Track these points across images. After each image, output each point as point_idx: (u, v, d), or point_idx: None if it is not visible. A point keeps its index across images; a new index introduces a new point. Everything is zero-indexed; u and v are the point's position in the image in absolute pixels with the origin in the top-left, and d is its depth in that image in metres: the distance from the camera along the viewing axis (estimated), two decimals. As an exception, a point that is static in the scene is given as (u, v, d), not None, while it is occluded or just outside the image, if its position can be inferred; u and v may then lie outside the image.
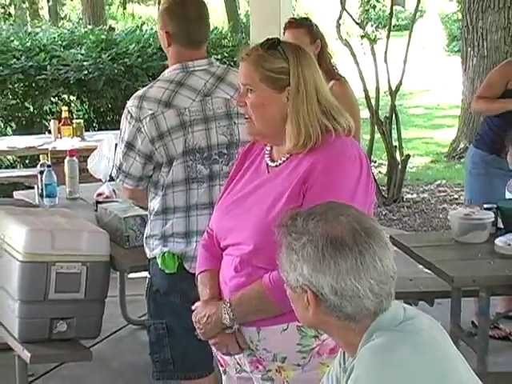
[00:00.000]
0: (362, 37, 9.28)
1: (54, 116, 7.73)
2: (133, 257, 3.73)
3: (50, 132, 7.15)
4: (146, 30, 9.27)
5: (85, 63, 8.09)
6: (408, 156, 8.48)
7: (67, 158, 4.81)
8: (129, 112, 3.21)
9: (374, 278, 1.86)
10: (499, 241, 3.85)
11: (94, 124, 8.40)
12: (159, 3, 21.84)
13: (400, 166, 8.23)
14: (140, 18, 20.42)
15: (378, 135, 8.38)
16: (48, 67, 8.01)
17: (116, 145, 3.69)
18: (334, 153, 2.41)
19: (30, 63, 8.03)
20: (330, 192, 2.31)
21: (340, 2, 8.41)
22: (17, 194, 5.03)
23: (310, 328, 2.35)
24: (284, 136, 2.45)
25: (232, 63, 8.17)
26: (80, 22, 16.35)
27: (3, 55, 8.10)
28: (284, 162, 2.48)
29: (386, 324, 1.88)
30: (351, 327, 1.91)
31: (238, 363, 2.55)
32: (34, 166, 5.94)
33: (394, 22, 9.53)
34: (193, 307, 2.59)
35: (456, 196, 8.42)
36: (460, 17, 12.60)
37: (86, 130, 7.04)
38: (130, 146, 3.22)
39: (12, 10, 16.14)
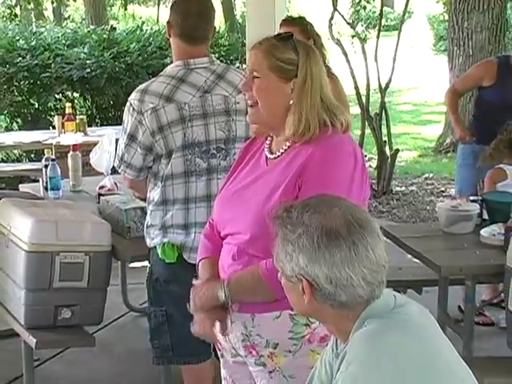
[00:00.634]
0: (353, 36, 9.30)
1: (58, 112, 7.71)
2: (134, 247, 3.73)
3: (54, 127, 7.14)
4: (146, 30, 9.26)
5: (87, 61, 8.08)
6: (397, 150, 8.49)
7: (71, 152, 4.80)
8: (131, 105, 3.21)
9: (367, 267, 1.85)
10: (484, 231, 3.85)
11: (97, 120, 8.39)
12: (159, 4, 21.86)
13: (389, 160, 8.23)
14: (140, 18, 20.38)
15: (368, 131, 8.38)
16: (52, 65, 8.01)
17: (116, 140, 3.69)
18: (330, 148, 2.40)
19: (35, 61, 8.02)
20: (324, 186, 2.30)
21: (332, 2, 8.41)
22: (23, 187, 5.02)
23: (302, 316, 2.35)
24: (284, 127, 2.44)
25: (229, 61, 8.17)
26: (83, 22, 16.33)
27: (9, 54, 8.09)
28: (282, 154, 2.47)
29: (378, 311, 1.88)
30: (344, 315, 1.91)
31: (234, 348, 2.55)
32: (39, 160, 5.93)
33: (383, 22, 9.52)
34: (193, 282, 2.59)
35: (443, 189, 8.43)
36: (446, 18, 12.60)
37: (88, 126, 7.04)
38: (131, 137, 3.22)
39: (18, 10, 16.10)
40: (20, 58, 8.04)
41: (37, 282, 3.55)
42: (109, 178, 4.46)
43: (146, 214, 3.41)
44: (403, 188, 8.58)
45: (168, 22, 3.31)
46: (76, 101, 8.34)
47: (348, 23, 9.62)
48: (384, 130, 8.39)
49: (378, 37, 8.40)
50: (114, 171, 4.02)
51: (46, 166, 4.59)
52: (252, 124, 2.58)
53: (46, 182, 4.57)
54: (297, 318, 2.39)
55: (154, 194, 3.27)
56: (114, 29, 9.86)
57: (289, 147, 2.46)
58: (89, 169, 4.78)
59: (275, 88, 2.43)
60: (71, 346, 4.10)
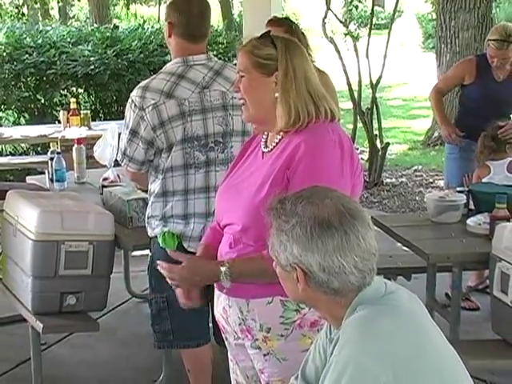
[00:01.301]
0: (346, 34, 9.26)
1: (63, 107, 7.70)
2: (136, 236, 3.72)
3: (59, 122, 7.13)
4: (148, 28, 9.23)
5: (91, 59, 8.06)
6: (387, 144, 8.48)
7: (75, 145, 4.79)
8: (133, 101, 3.21)
9: (358, 255, 1.85)
10: (471, 221, 3.85)
11: (100, 114, 8.37)
12: (160, 4, 21.81)
13: (380, 153, 8.23)
14: (142, 17, 20.33)
15: (360, 125, 8.37)
16: (58, 62, 7.99)
17: (119, 134, 3.68)
18: (315, 139, 2.39)
19: (42, 59, 8.00)
20: (311, 176, 2.30)
21: (325, 2, 8.38)
22: (29, 179, 5.01)
23: (293, 302, 2.36)
24: (274, 121, 2.44)
25: (226, 58, 8.15)
26: (87, 21, 16.28)
27: (17, 51, 8.07)
28: (274, 147, 2.47)
29: (369, 298, 1.88)
30: (337, 301, 1.91)
31: (235, 331, 2.56)
32: (45, 153, 5.92)
33: (374, 21, 9.49)
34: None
35: (431, 180, 8.43)
36: (434, 17, 12.58)
37: (92, 120, 7.02)
38: (133, 132, 3.21)
39: (25, 9, 16.05)
40: (27, 55, 8.02)
41: (43, 270, 3.55)
42: (112, 171, 4.46)
43: (147, 204, 3.41)
44: (393, 179, 8.58)
45: (170, 23, 3.27)
46: (80, 96, 8.32)
47: (341, 22, 9.60)
48: (375, 124, 8.38)
49: (369, 35, 8.38)
50: (116, 164, 4.01)
51: (52, 159, 4.59)
52: (246, 121, 2.61)
53: (52, 174, 4.57)
54: (287, 304, 2.40)
55: (155, 186, 3.27)
56: (117, 27, 9.83)
57: (280, 140, 2.46)
58: (93, 161, 4.77)
59: (259, 84, 2.45)
60: (76, 330, 4.10)
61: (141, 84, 3.25)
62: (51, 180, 4.58)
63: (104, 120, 7.98)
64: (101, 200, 4.18)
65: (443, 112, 5.13)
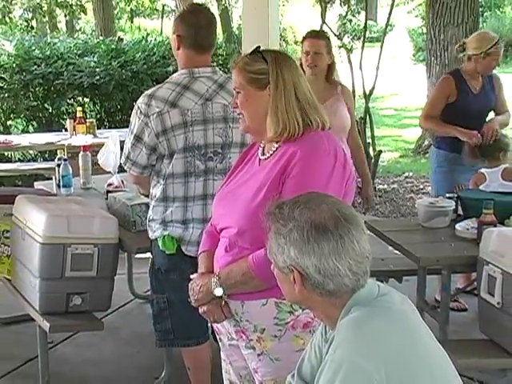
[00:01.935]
0: (340, 47, 9.29)
1: (69, 116, 7.69)
2: (139, 239, 3.71)
3: (66, 130, 7.12)
4: (151, 41, 9.23)
5: (97, 69, 8.06)
6: (380, 151, 8.48)
7: (81, 152, 4.79)
8: (138, 108, 3.20)
9: (353, 258, 1.85)
10: (459, 226, 3.85)
11: (105, 123, 8.36)
12: (162, 17, 21.79)
13: (373, 160, 8.22)
14: (145, 30, 20.37)
15: (353, 133, 8.36)
16: (65, 73, 7.99)
17: (120, 141, 3.68)
18: (310, 147, 2.40)
19: (49, 69, 8.00)
20: (304, 182, 2.31)
21: (321, 16, 8.41)
22: (37, 184, 5.01)
23: (287, 304, 2.37)
24: None
25: (226, 69, 8.15)
26: (93, 34, 16.28)
27: (26, 62, 8.07)
28: (271, 155, 2.48)
29: (363, 299, 1.88)
30: (332, 302, 1.91)
31: (229, 332, 2.56)
32: (52, 160, 5.91)
33: (367, 34, 9.50)
34: (191, 277, 2.60)
35: (421, 186, 8.43)
36: (425, 31, 12.60)
37: (97, 128, 7.01)
38: (138, 138, 3.21)
39: (34, 23, 16.05)
40: (35, 67, 8.02)
41: (50, 272, 3.54)
42: (116, 177, 4.46)
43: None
44: (385, 186, 8.59)
45: (178, 36, 3.26)
46: (86, 105, 8.31)
47: (335, 35, 9.61)
48: (368, 133, 8.38)
49: (362, 47, 8.40)
50: (120, 170, 4.01)
51: (59, 165, 4.58)
52: (244, 132, 2.62)
53: (59, 180, 4.56)
54: (281, 306, 2.40)
55: (157, 190, 3.27)
56: (122, 40, 9.83)
57: (277, 148, 2.46)
58: (97, 168, 4.77)
59: (254, 98, 2.46)
60: (82, 330, 4.10)
61: (147, 92, 3.25)
62: (58, 185, 4.57)
63: (109, 128, 7.97)
64: (105, 205, 4.17)
65: (448, 126, 4.69)
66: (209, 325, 3.35)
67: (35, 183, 5.14)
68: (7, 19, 14.34)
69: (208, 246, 2.61)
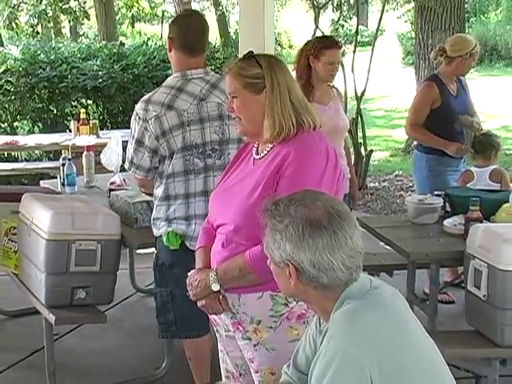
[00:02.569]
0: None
1: (73, 117, 7.68)
2: (140, 236, 3.72)
3: (70, 131, 7.12)
4: (151, 45, 9.22)
5: (100, 73, 8.05)
6: (371, 151, 8.48)
7: (85, 152, 4.79)
8: (137, 114, 3.20)
9: (346, 253, 1.85)
10: (447, 222, 3.86)
11: (108, 124, 8.35)
12: (162, 22, 21.75)
13: (364, 159, 8.23)
14: (146, 34, 20.33)
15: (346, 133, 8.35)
16: (69, 76, 7.98)
17: (123, 141, 3.67)
18: (303, 147, 2.40)
19: (54, 73, 7.99)
20: (298, 180, 2.31)
21: (314, 21, 8.40)
22: (43, 183, 5.00)
23: (281, 297, 2.37)
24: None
25: (224, 73, 8.13)
26: (96, 39, 16.24)
27: (32, 66, 8.06)
28: (265, 154, 2.48)
29: (355, 293, 1.89)
30: (326, 295, 1.91)
31: (226, 324, 2.56)
32: (57, 160, 5.91)
33: (359, 38, 9.53)
34: (188, 276, 2.60)
35: (411, 184, 8.41)
36: (413, 35, 12.60)
37: (100, 129, 7.01)
38: (139, 142, 3.21)
39: (39, 28, 16.02)
40: (41, 70, 8.01)
41: (55, 267, 3.54)
42: (118, 175, 4.45)
43: (151, 206, 3.41)
44: (376, 184, 8.58)
45: (170, 38, 3.28)
46: (89, 107, 8.30)
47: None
48: (360, 133, 8.38)
49: (354, 51, 8.39)
50: (122, 169, 4.00)
51: (63, 165, 4.58)
52: (241, 135, 2.61)
53: (64, 179, 4.56)
54: (276, 298, 2.40)
55: (159, 190, 3.27)
56: (123, 44, 9.80)
57: (271, 148, 2.46)
58: (100, 167, 4.77)
59: (251, 102, 2.45)
60: (86, 322, 4.09)
61: (144, 98, 3.25)
62: (63, 184, 4.57)
63: (111, 129, 7.96)
64: (108, 202, 4.17)
65: (435, 137, 4.64)
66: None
67: (41, 182, 5.13)
68: (14, 25, 14.31)
69: (204, 241, 2.61)
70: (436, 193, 4.15)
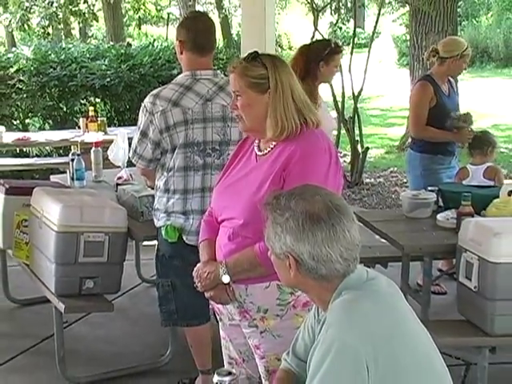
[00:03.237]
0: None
1: (82, 115, 7.66)
2: (146, 228, 3.71)
3: (79, 127, 7.10)
4: (157, 46, 9.20)
5: (107, 72, 8.03)
6: (367, 148, 8.47)
7: (93, 148, 4.77)
8: (145, 106, 3.20)
9: (343, 245, 1.85)
10: (440, 216, 3.85)
11: (115, 121, 8.34)
12: (167, 24, 21.75)
13: (361, 156, 8.22)
14: (152, 36, 20.32)
15: (343, 131, 8.36)
16: (78, 75, 7.97)
17: (128, 138, 3.66)
18: (308, 145, 2.39)
19: (64, 72, 7.98)
20: (304, 177, 2.30)
21: (313, 23, 8.38)
22: (53, 178, 4.99)
23: (288, 287, 2.35)
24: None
25: (226, 73, 8.13)
26: (104, 40, 16.25)
27: (43, 66, 8.05)
28: (269, 152, 2.46)
29: (353, 283, 1.88)
30: (324, 286, 1.90)
31: (230, 313, 2.55)
32: (67, 155, 5.87)
33: (356, 40, 9.48)
34: (195, 268, 2.58)
35: (405, 180, 8.39)
36: (408, 38, 12.58)
37: (108, 126, 6.99)
38: (144, 133, 3.22)
39: (50, 30, 16.02)
40: (51, 70, 7.99)
41: (65, 258, 3.54)
42: (125, 171, 4.45)
43: (155, 199, 3.40)
44: (372, 180, 8.58)
45: (180, 41, 3.25)
46: (98, 105, 8.28)
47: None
48: (356, 131, 8.37)
49: (351, 53, 8.37)
50: (129, 164, 3.99)
51: (73, 160, 4.56)
52: (243, 132, 2.61)
53: (73, 174, 4.55)
54: (283, 288, 2.40)
55: (161, 182, 3.27)
56: (130, 45, 9.79)
57: (275, 146, 2.45)
58: (108, 162, 4.75)
59: (255, 101, 2.43)
60: (94, 310, 4.09)
61: (153, 92, 3.24)
62: (72, 179, 4.56)
63: (118, 126, 7.94)
64: (115, 196, 4.16)
65: (443, 132, 4.59)
66: (210, 306, 3.35)
67: (51, 176, 5.12)
68: (26, 26, 14.33)
69: (208, 234, 2.60)
70: (429, 188, 4.15)
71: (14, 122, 8.12)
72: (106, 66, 8.15)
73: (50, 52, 8.45)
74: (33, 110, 8.16)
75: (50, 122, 8.25)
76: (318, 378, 1.77)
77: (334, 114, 8.18)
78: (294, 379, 2.09)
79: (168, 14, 22.75)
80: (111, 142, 4.74)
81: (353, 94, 8.35)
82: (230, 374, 1.96)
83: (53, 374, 3.74)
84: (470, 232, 3.29)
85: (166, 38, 17.37)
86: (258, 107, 2.43)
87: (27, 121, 8.29)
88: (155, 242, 3.47)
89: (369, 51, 8.50)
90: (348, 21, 13.66)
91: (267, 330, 2.46)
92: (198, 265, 2.58)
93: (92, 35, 21.99)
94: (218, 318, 2.69)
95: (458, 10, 12.64)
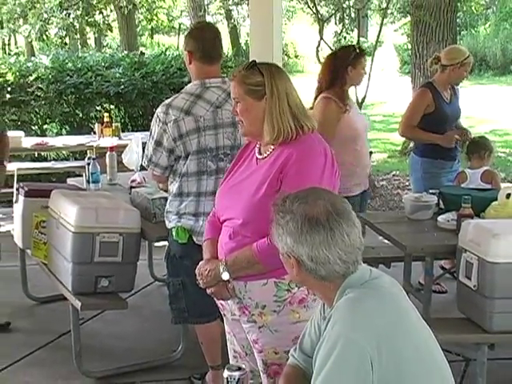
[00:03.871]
0: (336, 60, 9.23)
1: (98, 120, 7.69)
2: (158, 230, 3.71)
3: (95, 133, 7.13)
4: (169, 55, 9.23)
5: (122, 80, 8.06)
6: (371, 152, 8.36)
7: (108, 152, 4.78)
8: (158, 116, 3.20)
9: (342, 249, 1.85)
10: (441, 218, 3.84)
11: (129, 127, 8.36)
12: (179, 34, 21.78)
13: (364, 160, 8.18)
14: (164, 45, 20.36)
15: (347, 136, 8.33)
16: (94, 83, 8.00)
17: (143, 143, 3.66)
18: (304, 148, 2.42)
19: (80, 80, 8.01)
20: (300, 178, 2.33)
21: (319, 33, 8.38)
22: (70, 181, 5.01)
23: (284, 283, 2.39)
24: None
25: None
26: (118, 49, 16.28)
27: (60, 74, 8.09)
28: (268, 155, 2.49)
29: (355, 282, 1.88)
30: (326, 285, 1.91)
31: (232, 309, 2.58)
32: (83, 159, 5.92)
33: (359, 49, 9.47)
34: (198, 266, 2.61)
35: (407, 183, 8.38)
36: (409, 46, 12.57)
37: (122, 131, 7.02)
38: (158, 143, 3.21)
39: (67, 40, 16.09)
40: (68, 77, 8.03)
41: (81, 257, 3.55)
42: (138, 174, 4.45)
43: (168, 202, 3.40)
44: (375, 183, 8.56)
45: (188, 51, 3.24)
46: (112, 111, 8.31)
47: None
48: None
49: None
50: (142, 168, 4.00)
51: (88, 164, 4.57)
52: (243, 136, 2.65)
53: (88, 177, 4.56)
54: (280, 285, 2.42)
55: (173, 187, 3.26)
56: (143, 54, 9.81)
57: (273, 149, 2.48)
58: (122, 166, 4.77)
59: (253, 107, 2.46)
60: (108, 308, 4.09)
61: (165, 102, 3.24)
62: (88, 181, 4.56)
63: (132, 131, 7.95)
64: (129, 199, 4.17)
65: (426, 133, 4.57)
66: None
67: (68, 179, 5.13)
68: (44, 37, 14.38)
69: (211, 234, 2.62)
70: (431, 191, 4.14)
71: (33, 128, 8.15)
72: (120, 74, 8.18)
73: (67, 61, 8.49)
74: (50, 116, 8.19)
75: (67, 127, 8.28)
76: (324, 373, 1.76)
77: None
78: (301, 374, 2.09)
79: (179, 24, 22.80)
80: (125, 146, 4.75)
81: (357, 100, 8.33)
82: (239, 369, 1.96)
83: (69, 368, 3.75)
84: (470, 233, 3.29)
85: (178, 47, 17.41)
86: (255, 112, 2.46)
87: (45, 126, 8.32)
88: (167, 243, 3.47)
89: (372, 59, 8.49)
90: (352, 30, 13.64)
91: (265, 325, 2.47)
92: (201, 263, 2.61)
93: (107, 45, 22.05)
94: (222, 313, 2.69)
95: (458, 20, 12.61)
